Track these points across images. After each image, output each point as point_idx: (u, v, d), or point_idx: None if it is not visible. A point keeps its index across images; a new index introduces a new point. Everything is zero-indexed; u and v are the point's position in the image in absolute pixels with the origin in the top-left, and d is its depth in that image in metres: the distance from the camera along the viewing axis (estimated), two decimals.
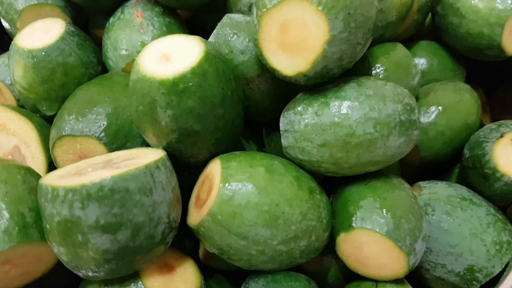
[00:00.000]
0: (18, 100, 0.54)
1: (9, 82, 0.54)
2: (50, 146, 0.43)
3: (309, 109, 0.39)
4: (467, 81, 0.58)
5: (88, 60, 0.49)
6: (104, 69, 0.51)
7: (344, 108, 0.38)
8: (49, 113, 0.49)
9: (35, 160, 0.46)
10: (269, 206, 0.37)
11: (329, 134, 0.38)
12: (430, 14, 0.56)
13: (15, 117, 0.47)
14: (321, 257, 0.45)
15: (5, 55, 0.56)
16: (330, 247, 0.42)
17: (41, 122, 0.48)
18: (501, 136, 0.43)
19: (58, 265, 0.41)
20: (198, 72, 0.36)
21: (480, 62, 0.60)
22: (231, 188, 0.37)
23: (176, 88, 0.35)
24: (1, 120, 0.47)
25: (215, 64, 0.37)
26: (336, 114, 0.38)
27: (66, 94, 0.47)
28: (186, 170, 0.45)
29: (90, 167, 0.37)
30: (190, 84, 0.36)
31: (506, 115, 0.60)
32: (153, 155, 0.37)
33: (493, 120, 0.61)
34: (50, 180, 0.35)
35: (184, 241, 0.47)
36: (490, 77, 0.60)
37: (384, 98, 0.38)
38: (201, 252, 0.47)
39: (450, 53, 0.55)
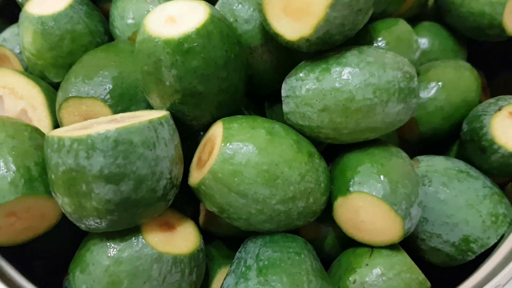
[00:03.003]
0: (26, 69, 0.55)
1: (18, 51, 0.55)
2: (57, 108, 0.45)
3: (311, 75, 0.40)
4: None
5: (95, 29, 0.50)
6: (110, 39, 0.53)
7: (345, 74, 0.39)
8: (56, 80, 0.50)
9: (41, 123, 0.47)
10: (268, 165, 0.37)
11: (329, 99, 0.39)
12: None
13: (23, 81, 0.48)
14: (318, 225, 0.46)
15: (15, 25, 0.57)
16: (327, 216, 0.43)
17: (48, 87, 0.49)
18: (499, 109, 0.44)
19: (60, 224, 0.42)
20: (202, 33, 0.37)
21: (482, 47, 0.61)
22: (232, 147, 0.38)
23: (181, 47, 0.36)
24: (10, 84, 0.48)
25: (220, 26, 0.38)
26: (337, 79, 0.39)
27: (73, 62, 0.48)
28: (189, 139, 0.46)
29: (96, 124, 0.38)
30: (195, 44, 0.37)
31: None
32: (156, 114, 0.38)
33: None
34: (57, 132, 0.36)
35: (185, 207, 0.48)
36: (492, 61, 0.61)
37: (384, 65, 0.39)
38: (201, 218, 0.48)
39: (452, 34, 0.56)
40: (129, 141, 0.34)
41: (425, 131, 0.50)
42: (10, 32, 0.57)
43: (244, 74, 0.42)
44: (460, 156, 0.50)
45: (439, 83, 0.49)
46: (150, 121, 0.36)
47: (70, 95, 0.43)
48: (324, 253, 0.46)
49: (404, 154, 0.43)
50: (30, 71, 0.52)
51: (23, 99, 0.48)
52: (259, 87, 0.48)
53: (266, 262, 0.38)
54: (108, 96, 0.43)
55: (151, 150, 0.35)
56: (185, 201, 0.48)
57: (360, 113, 0.39)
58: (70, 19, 0.48)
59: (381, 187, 0.39)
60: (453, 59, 0.54)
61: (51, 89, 0.49)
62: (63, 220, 0.41)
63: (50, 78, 0.50)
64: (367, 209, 0.39)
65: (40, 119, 0.47)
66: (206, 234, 0.48)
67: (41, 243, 0.46)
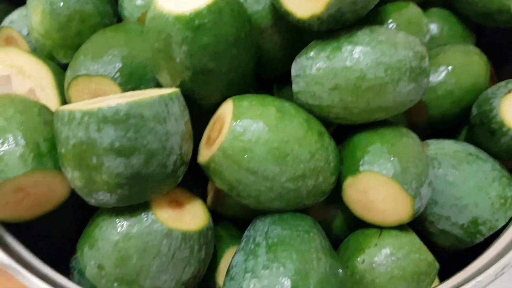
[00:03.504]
0: (33, 51, 0.55)
1: (26, 33, 0.55)
2: (66, 86, 0.44)
3: (321, 53, 0.40)
4: None
5: (104, 10, 0.50)
6: (119, 21, 0.52)
7: (356, 53, 0.39)
8: (64, 61, 0.50)
9: (50, 103, 0.47)
10: (279, 143, 0.37)
11: (340, 77, 0.39)
12: None
13: (32, 60, 0.47)
14: (327, 207, 0.46)
15: (23, 7, 0.57)
16: (336, 198, 0.43)
17: (56, 67, 0.49)
18: (509, 92, 0.44)
19: (68, 205, 0.42)
20: (213, 9, 0.37)
21: (490, 35, 0.61)
22: (242, 124, 0.37)
23: (191, 24, 0.36)
24: (18, 63, 0.48)
25: (230, 4, 0.38)
26: (348, 58, 0.39)
27: (81, 42, 0.48)
28: (198, 122, 0.46)
29: (106, 100, 0.37)
30: (206, 20, 0.36)
31: None
32: (167, 91, 0.38)
33: None
34: (67, 107, 0.36)
35: (193, 189, 0.48)
36: (500, 50, 0.61)
37: (396, 44, 0.39)
38: (209, 200, 0.48)
39: (461, 20, 0.55)
40: (140, 115, 0.34)
41: (435, 115, 0.50)
42: (18, 14, 0.56)
43: (254, 53, 0.42)
44: (470, 140, 0.49)
45: (449, 67, 0.48)
46: (161, 96, 0.36)
47: (79, 73, 0.43)
48: (333, 235, 0.46)
49: (414, 135, 0.42)
50: (38, 52, 0.52)
51: (31, 79, 0.47)
52: (269, 69, 0.47)
53: (275, 240, 0.38)
54: (118, 74, 0.42)
55: (161, 124, 0.35)
56: (193, 184, 0.47)
57: (371, 92, 0.39)
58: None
59: (391, 166, 0.38)
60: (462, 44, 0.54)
61: (59, 69, 0.49)
62: (71, 202, 0.41)
63: (58, 59, 0.50)
64: (377, 188, 0.39)
65: (48, 98, 0.47)
66: (214, 215, 0.48)
67: (47, 225, 0.46)
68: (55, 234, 0.51)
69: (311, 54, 0.40)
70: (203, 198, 0.49)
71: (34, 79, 0.47)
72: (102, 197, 0.36)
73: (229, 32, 0.38)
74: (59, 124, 0.35)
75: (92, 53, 0.44)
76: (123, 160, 0.34)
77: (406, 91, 0.39)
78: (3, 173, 0.36)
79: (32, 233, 0.49)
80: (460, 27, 0.55)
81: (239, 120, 0.38)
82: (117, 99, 0.36)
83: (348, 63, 0.39)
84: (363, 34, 0.39)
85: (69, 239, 0.47)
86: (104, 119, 0.33)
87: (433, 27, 0.55)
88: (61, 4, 0.47)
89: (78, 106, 0.36)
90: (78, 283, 0.41)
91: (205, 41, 0.37)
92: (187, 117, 0.39)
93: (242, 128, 0.37)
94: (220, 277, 0.43)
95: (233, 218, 0.48)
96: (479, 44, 0.59)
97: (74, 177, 0.36)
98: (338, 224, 0.46)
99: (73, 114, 0.34)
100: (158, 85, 0.44)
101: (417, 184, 0.38)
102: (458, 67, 0.48)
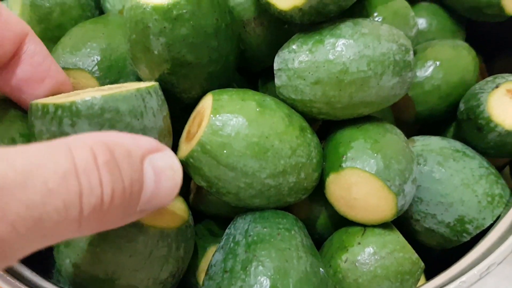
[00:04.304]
0: None
1: None
2: None
3: (304, 46, 0.39)
4: None
5: (85, 2, 0.49)
6: (101, 14, 0.51)
7: (339, 46, 0.38)
8: None
9: None
10: (258, 138, 0.36)
11: (323, 71, 0.38)
12: None
13: None
14: (311, 205, 0.45)
15: (4, 1, 0.56)
16: (320, 195, 0.42)
17: None
18: (496, 87, 0.43)
19: None
20: (192, 0, 0.36)
21: (480, 30, 0.60)
22: (221, 119, 0.36)
23: (169, 14, 0.35)
24: None
25: None
26: (330, 51, 0.38)
27: (61, 35, 0.47)
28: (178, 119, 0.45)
29: (83, 93, 0.36)
30: (184, 11, 0.35)
31: None
32: (145, 85, 0.37)
33: None
34: (41, 100, 0.35)
35: None
36: (490, 45, 0.60)
37: (379, 37, 0.38)
38: (191, 197, 0.47)
39: (450, 14, 0.55)
40: (116, 109, 0.33)
41: (421, 111, 0.49)
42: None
43: (235, 46, 0.41)
44: (457, 137, 0.49)
45: (437, 62, 0.48)
46: (138, 90, 0.35)
47: None
48: (316, 233, 0.45)
49: (398, 131, 0.42)
50: None
51: None
52: (252, 63, 0.46)
53: (255, 238, 0.37)
54: (96, 68, 0.41)
55: (138, 119, 0.34)
56: None
57: (354, 86, 0.38)
58: None
59: (374, 162, 0.38)
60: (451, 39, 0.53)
61: None
62: None
63: None
64: (360, 185, 0.38)
65: None
66: (196, 213, 0.47)
67: None
68: None
69: (294, 47, 0.39)
70: (186, 196, 0.48)
71: None
72: None
73: (208, 23, 0.37)
74: (33, 118, 0.34)
75: (70, 46, 0.43)
76: None
77: (390, 85, 0.38)
78: None
79: None
80: (449, 22, 0.54)
81: (218, 115, 0.37)
82: (93, 93, 0.35)
83: (330, 56, 0.38)
84: (346, 27, 0.38)
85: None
86: (78, 113, 0.32)
87: (422, 22, 0.54)
88: None
89: (53, 99, 0.35)
90: (58, 283, 0.40)
91: (183, 32, 0.36)
92: (165, 111, 0.38)
93: (221, 122, 0.36)
94: (201, 276, 0.42)
95: (215, 216, 0.47)
96: (469, 38, 0.58)
97: None
98: (322, 222, 0.45)
99: (46, 107, 0.33)
100: (139, 79, 0.43)
101: (401, 181, 0.38)
102: (445, 61, 0.48)
